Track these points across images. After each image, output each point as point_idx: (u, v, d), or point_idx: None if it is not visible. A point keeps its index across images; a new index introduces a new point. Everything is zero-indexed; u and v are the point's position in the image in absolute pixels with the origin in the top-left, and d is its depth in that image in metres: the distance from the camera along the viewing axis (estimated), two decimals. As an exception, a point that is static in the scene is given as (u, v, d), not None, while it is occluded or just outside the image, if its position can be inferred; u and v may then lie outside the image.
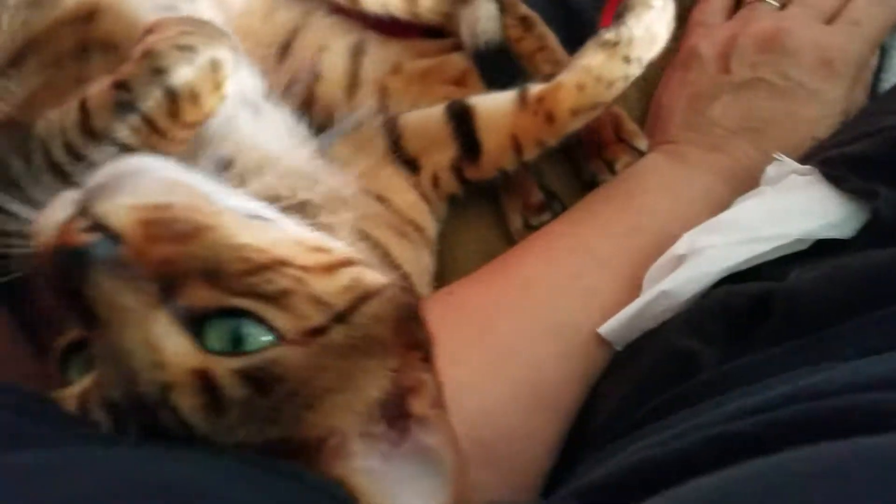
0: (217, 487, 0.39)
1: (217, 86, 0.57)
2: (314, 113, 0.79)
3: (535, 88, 0.70)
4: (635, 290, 0.63)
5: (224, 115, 0.62)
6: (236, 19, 0.78)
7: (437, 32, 0.85)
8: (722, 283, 0.59)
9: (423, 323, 0.48)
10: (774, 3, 0.77)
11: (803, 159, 0.66)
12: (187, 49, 0.56)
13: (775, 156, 0.66)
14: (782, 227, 0.59)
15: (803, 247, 0.59)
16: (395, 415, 0.46)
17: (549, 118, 0.68)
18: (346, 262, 0.48)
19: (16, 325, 0.64)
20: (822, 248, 0.58)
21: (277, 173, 0.60)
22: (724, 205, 0.67)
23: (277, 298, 0.44)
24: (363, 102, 0.81)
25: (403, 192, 0.71)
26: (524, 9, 0.83)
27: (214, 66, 0.56)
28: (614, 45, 0.68)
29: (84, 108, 0.56)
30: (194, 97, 0.56)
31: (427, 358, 0.47)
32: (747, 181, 0.68)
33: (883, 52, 0.76)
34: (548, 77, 0.75)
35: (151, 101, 0.55)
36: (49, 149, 0.57)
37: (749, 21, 0.75)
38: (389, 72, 0.82)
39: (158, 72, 0.55)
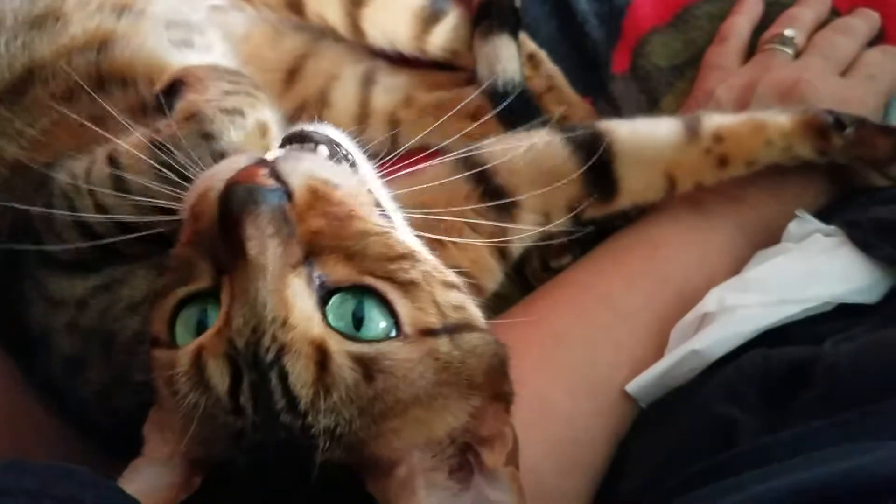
0: None
1: (265, 149, 0.55)
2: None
3: (711, 121, 0.65)
4: (662, 343, 0.63)
5: None
6: (241, 44, 0.75)
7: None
8: (750, 343, 0.59)
9: (509, 378, 0.48)
10: (789, 51, 0.77)
11: (822, 214, 0.67)
12: (236, 113, 0.54)
13: (797, 213, 0.67)
14: (811, 289, 0.60)
15: (829, 308, 0.60)
16: (463, 460, 0.46)
17: (723, 162, 0.64)
18: (458, 287, 0.50)
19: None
20: (847, 309, 0.59)
21: None
22: (743, 257, 0.68)
23: (406, 287, 0.46)
24: (373, 132, 0.79)
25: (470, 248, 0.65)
26: (532, 46, 0.82)
27: (263, 130, 0.55)
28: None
29: (116, 166, 0.54)
30: None
31: (508, 410, 0.47)
32: (765, 232, 0.69)
33: (887, 105, 0.78)
34: (562, 119, 0.75)
35: (201, 166, 0.53)
36: (76, 206, 0.55)
37: (767, 69, 0.75)
38: (401, 103, 0.81)
39: (207, 137, 0.53)
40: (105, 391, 0.57)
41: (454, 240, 0.59)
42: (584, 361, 0.62)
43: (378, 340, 0.45)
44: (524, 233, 0.67)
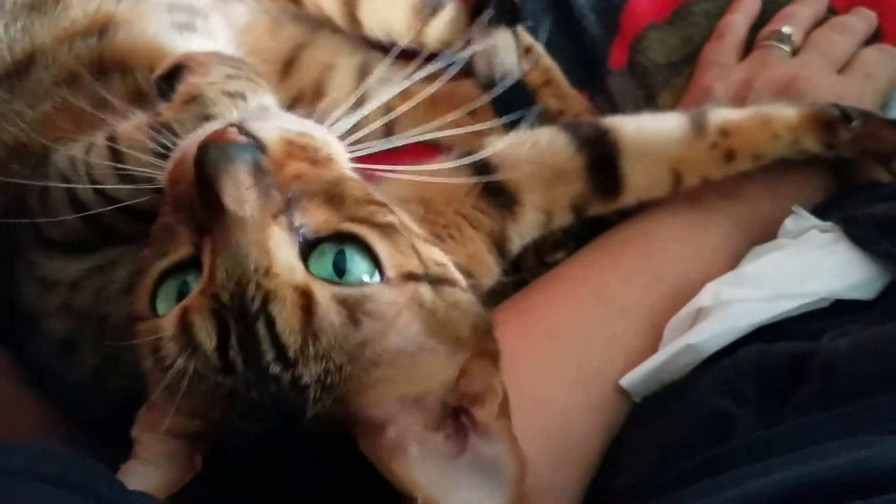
0: None
1: None
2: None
3: (717, 116, 0.65)
4: (657, 338, 0.63)
5: None
6: (243, 35, 0.75)
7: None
8: (746, 338, 0.59)
9: (495, 338, 0.48)
10: (787, 49, 0.77)
11: (818, 210, 0.67)
12: (238, 96, 0.53)
13: (793, 209, 0.67)
14: (807, 285, 0.59)
15: (826, 304, 0.60)
16: (457, 425, 0.46)
17: (730, 156, 0.64)
18: (437, 244, 0.50)
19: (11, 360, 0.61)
20: (843, 305, 0.59)
21: None
22: (739, 252, 0.67)
23: (385, 230, 0.47)
24: (369, 122, 0.79)
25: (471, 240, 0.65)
26: (528, 39, 0.82)
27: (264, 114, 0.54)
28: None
29: (115, 148, 0.53)
30: None
31: (497, 366, 0.47)
32: (760, 228, 0.69)
33: (883, 104, 0.78)
34: (558, 113, 0.74)
35: None
36: (73, 186, 0.54)
37: (765, 65, 0.75)
38: (396, 94, 0.80)
39: (209, 119, 0.52)
40: (98, 373, 0.56)
41: None
42: (579, 355, 0.62)
43: (362, 284, 0.45)
44: (525, 231, 0.67)
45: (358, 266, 0.46)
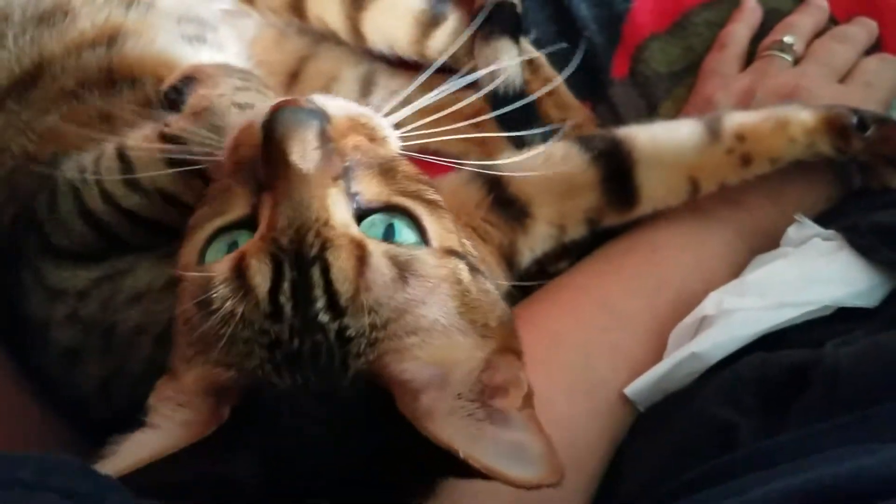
0: None
1: None
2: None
3: (732, 121, 0.65)
4: (660, 347, 0.63)
5: None
6: (251, 47, 0.76)
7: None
8: (749, 347, 0.59)
9: (518, 336, 0.50)
10: (788, 58, 0.78)
11: (821, 219, 0.67)
12: (248, 108, 0.54)
13: (796, 217, 0.67)
14: (810, 293, 0.60)
15: (828, 312, 0.60)
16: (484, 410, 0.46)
17: (746, 161, 0.64)
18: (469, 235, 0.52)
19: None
20: (845, 313, 0.59)
21: None
22: (741, 261, 0.68)
23: (432, 206, 0.50)
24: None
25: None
26: (531, 50, 0.82)
27: None
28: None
29: (125, 158, 0.54)
30: None
31: (521, 360, 0.49)
32: (763, 237, 0.69)
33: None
34: (577, 128, 0.75)
35: (210, 158, 0.53)
36: (82, 196, 0.55)
37: (766, 75, 0.76)
38: (400, 105, 0.81)
39: (218, 130, 0.53)
40: (104, 383, 0.57)
41: None
42: (582, 363, 0.62)
43: (411, 247, 0.47)
44: (536, 244, 0.67)
45: (406, 237, 0.48)
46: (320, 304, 0.44)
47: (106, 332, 0.57)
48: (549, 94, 0.81)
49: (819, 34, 0.80)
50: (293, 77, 0.79)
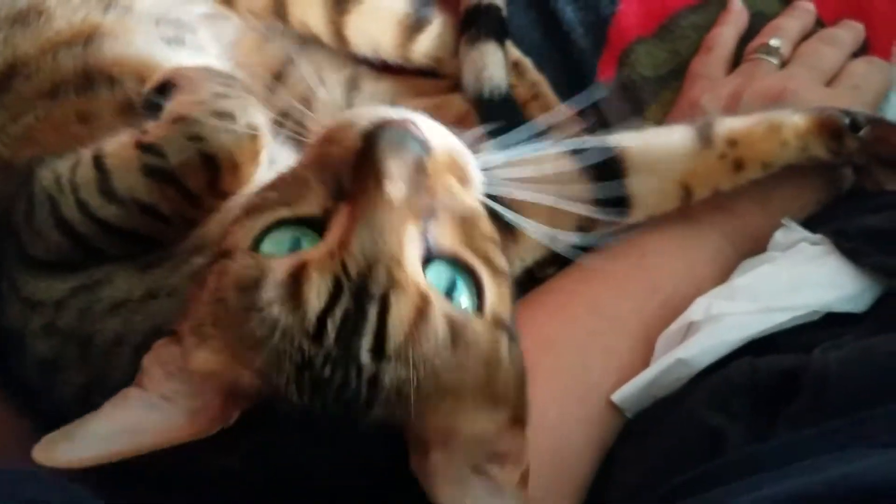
0: None
1: (255, 154, 0.54)
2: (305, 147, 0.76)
3: (723, 126, 0.65)
4: (649, 351, 0.62)
5: None
6: (232, 50, 0.75)
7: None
8: (737, 352, 0.59)
9: (526, 394, 0.49)
10: (775, 61, 0.77)
11: (808, 223, 0.67)
12: (227, 116, 0.53)
13: (784, 221, 0.66)
14: (799, 297, 0.59)
15: (817, 317, 0.59)
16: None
17: (739, 166, 0.64)
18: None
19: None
20: (835, 318, 0.59)
21: None
22: (730, 266, 0.67)
23: (496, 273, 0.48)
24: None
25: None
26: (517, 54, 0.82)
27: (253, 136, 0.54)
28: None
29: (101, 167, 0.52)
30: (233, 166, 0.53)
31: (525, 434, 0.48)
32: (751, 242, 0.68)
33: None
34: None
35: (188, 169, 0.52)
36: (58, 206, 0.54)
37: (753, 78, 0.75)
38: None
39: (196, 139, 0.52)
40: (83, 394, 0.56)
41: None
42: (572, 369, 0.61)
43: (468, 312, 0.46)
44: (527, 254, 0.67)
45: (464, 298, 0.47)
46: (366, 342, 0.43)
47: (84, 342, 0.56)
48: (535, 97, 0.81)
49: (806, 37, 0.80)
50: (276, 80, 0.78)
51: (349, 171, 0.47)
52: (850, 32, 0.79)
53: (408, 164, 0.46)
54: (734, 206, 0.70)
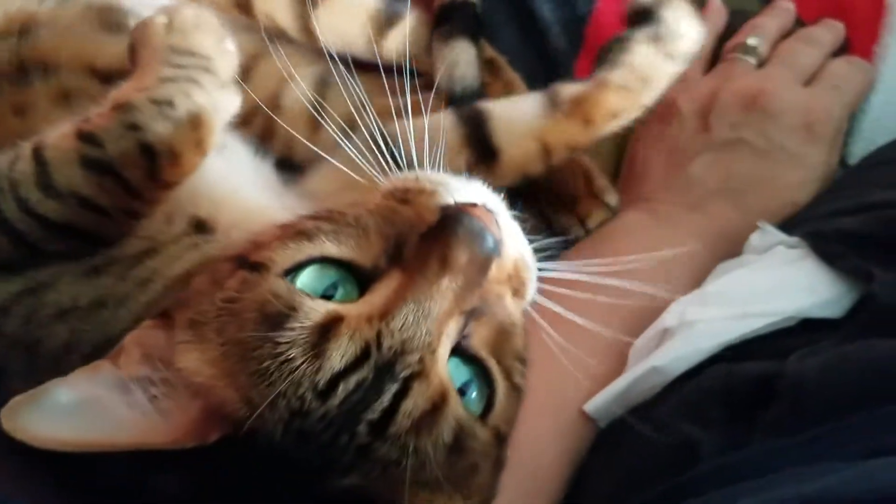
0: None
1: (198, 142, 0.52)
2: (273, 146, 0.74)
3: (569, 90, 0.66)
4: (622, 358, 0.60)
5: None
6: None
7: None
8: (712, 358, 0.57)
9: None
10: (752, 61, 0.76)
11: (784, 226, 0.65)
12: (165, 104, 0.50)
13: (759, 224, 0.65)
14: (774, 303, 0.58)
15: (794, 323, 0.58)
16: None
17: (587, 121, 0.65)
18: None
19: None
20: (811, 323, 0.57)
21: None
22: (705, 269, 0.66)
23: (514, 390, 0.49)
24: (327, 137, 0.76)
25: None
26: (491, 52, 0.80)
27: (194, 123, 0.52)
28: (659, 40, 0.65)
29: (40, 159, 0.50)
30: (173, 156, 0.51)
31: None
32: (727, 244, 0.67)
33: (851, 117, 0.76)
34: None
35: (126, 160, 0.49)
36: None
37: (730, 77, 0.74)
38: (357, 107, 0.78)
39: (134, 128, 0.50)
40: None
41: None
42: (544, 379, 0.59)
43: (477, 419, 0.46)
44: None
45: (475, 404, 0.47)
46: (371, 417, 0.43)
47: (30, 349, 0.53)
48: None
49: (786, 36, 0.79)
50: (242, 76, 0.76)
51: (415, 240, 0.46)
52: (829, 32, 0.77)
53: (476, 261, 0.45)
54: (709, 207, 0.69)
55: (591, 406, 0.58)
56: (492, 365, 0.48)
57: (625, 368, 0.60)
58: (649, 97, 0.66)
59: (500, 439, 0.48)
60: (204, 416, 0.44)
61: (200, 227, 0.55)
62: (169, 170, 0.51)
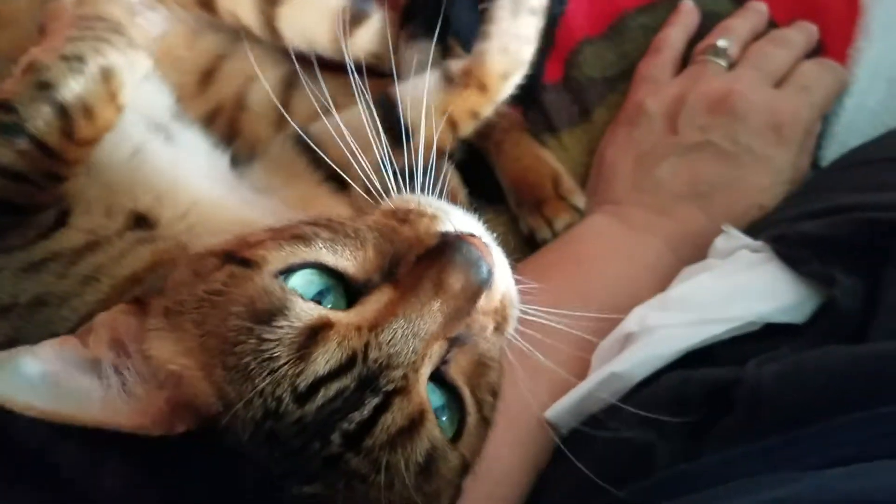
0: None
1: (112, 96, 0.52)
2: (238, 146, 0.73)
3: (457, 64, 0.68)
4: (584, 364, 0.59)
5: (131, 146, 0.56)
6: (157, 44, 0.71)
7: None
8: (673, 364, 0.56)
9: None
10: (722, 63, 0.75)
11: (751, 229, 0.64)
12: (74, 59, 0.51)
13: (724, 227, 0.64)
14: (736, 308, 0.57)
15: (755, 328, 0.57)
16: None
17: (482, 87, 0.67)
18: None
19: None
20: (774, 328, 0.56)
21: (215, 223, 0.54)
22: (671, 272, 0.65)
23: (484, 422, 0.49)
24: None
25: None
26: (460, 53, 0.79)
27: (106, 76, 0.52)
28: (517, 2, 0.67)
29: None
30: (88, 111, 0.51)
31: None
32: (693, 248, 0.66)
33: (824, 120, 0.75)
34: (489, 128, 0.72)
35: (40, 120, 0.49)
36: None
37: (698, 80, 0.73)
38: (323, 107, 0.77)
39: (45, 87, 0.50)
40: None
41: None
42: (507, 390, 0.58)
43: (449, 445, 0.46)
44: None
45: (446, 428, 0.47)
46: (347, 427, 0.42)
47: None
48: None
49: (758, 38, 0.78)
50: (207, 76, 0.75)
51: (411, 260, 0.47)
52: (801, 34, 0.77)
53: (469, 289, 0.46)
54: (676, 211, 0.68)
55: (552, 413, 0.57)
56: (466, 395, 0.48)
57: (588, 374, 0.59)
58: (528, 52, 0.68)
59: (465, 469, 0.48)
60: (172, 406, 0.44)
61: (140, 221, 0.54)
62: (85, 127, 0.51)
